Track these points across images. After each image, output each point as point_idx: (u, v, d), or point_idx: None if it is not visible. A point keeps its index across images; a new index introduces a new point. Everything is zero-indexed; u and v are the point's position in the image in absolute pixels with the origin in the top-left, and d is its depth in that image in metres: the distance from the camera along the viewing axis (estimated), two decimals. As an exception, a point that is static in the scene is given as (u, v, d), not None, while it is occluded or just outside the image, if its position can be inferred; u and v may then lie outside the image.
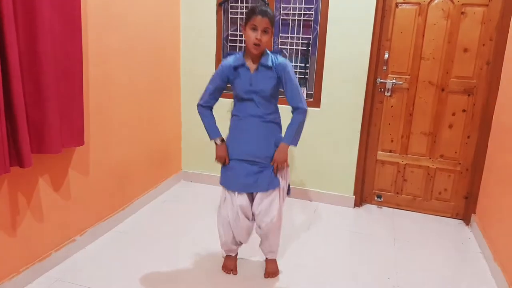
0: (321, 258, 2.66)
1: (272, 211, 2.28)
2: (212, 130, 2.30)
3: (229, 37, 3.52)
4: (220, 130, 2.31)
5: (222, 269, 2.49)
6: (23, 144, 1.95)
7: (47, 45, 2.01)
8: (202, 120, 2.31)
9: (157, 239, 2.80)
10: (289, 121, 2.25)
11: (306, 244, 2.82)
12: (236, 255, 2.52)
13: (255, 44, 2.07)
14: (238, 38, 3.50)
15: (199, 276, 2.43)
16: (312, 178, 3.51)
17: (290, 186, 2.45)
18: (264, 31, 2.06)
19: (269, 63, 2.15)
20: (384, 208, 3.47)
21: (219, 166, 3.53)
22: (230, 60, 2.19)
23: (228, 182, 2.31)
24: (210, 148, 3.75)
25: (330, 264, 2.60)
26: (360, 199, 3.49)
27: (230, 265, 2.48)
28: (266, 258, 2.50)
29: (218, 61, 3.54)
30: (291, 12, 3.31)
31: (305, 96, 3.37)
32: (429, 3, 3.01)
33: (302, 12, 3.29)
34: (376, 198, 3.50)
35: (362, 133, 3.30)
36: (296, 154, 3.49)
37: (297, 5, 3.28)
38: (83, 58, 2.29)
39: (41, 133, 2.08)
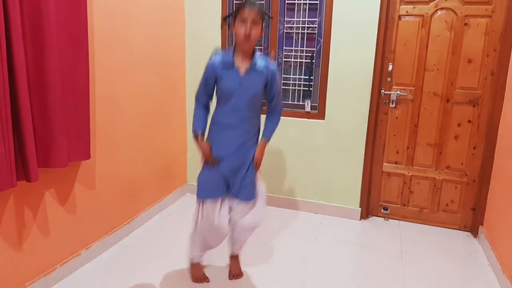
0: (327, 271, 2.64)
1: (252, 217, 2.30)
2: (197, 122, 2.22)
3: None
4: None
5: (194, 281, 2.45)
6: (30, 158, 1.97)
7: (55, 62, 2.04)
8: (194, 111, 2.25)
9: (162, 253, 2.79)
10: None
11: (312, 257, 2.80)
12: (201, 262, 2.50)
13: (244, 38, 2.02)
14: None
15: (204, 290, 2.42)
16: (317, 190, 3.49)
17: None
18: (254, 23, 2.01)
19: (261, 68, 2.14)
20: (390, 220, 3.45)
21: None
22: (217, 58, 2.14)
23: (210, 189, 2.23)
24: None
25: (336, 277, 2.58)
26: (366, 211, 3.47)
27: (199, 274, 2.46)
28: (232, 256, 2.51)
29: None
30: (295, 25, 3.34)
31: (309, 108, 3.40)
32: (432, 15, 3.02)
33: (306, 25, 3.31)
34: (382, 210, 3.47)
35: (367, 145, 3.29)
36: (302, 166, 3.48)
37: (301, 19, 3.31)
38: (89, 74, 2.32)
39: (48, 148, 2.10)
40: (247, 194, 2.23)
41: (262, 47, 3.45)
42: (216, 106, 2.23)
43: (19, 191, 2.08)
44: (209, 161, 2.21)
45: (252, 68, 2.12)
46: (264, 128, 2.29)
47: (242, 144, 2.20)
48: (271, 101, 2.28)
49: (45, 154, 2.10)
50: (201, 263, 2.50)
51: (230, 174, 2.21)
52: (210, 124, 2.26)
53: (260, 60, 2.15)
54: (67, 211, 2.44)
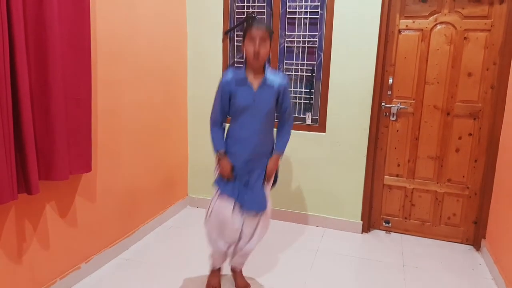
0: (329, 285, 2.62)
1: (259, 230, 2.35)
2: (218, 142, 2.29)
3: (235, 64, 3.58)
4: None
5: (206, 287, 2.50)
6: (32, 171, 1.97)
7: (57, 75, 2.06)
8: (211, 133, 2.31)
9: (162, 266, 2.78)
10: None
11: (313, 271, 2.78)
12: (220, 270, 2.56)
13: (254, 56, 2.12)
14: (243, 65, 3.55)
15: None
16: (318, 203, 3.48)
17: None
18: (262, 41, 2.10)
19: (273, 83, 2.22)
20: (392, 233, 3.43)
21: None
22: (230, 75, 2.23)
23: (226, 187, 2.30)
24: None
25: (338, 291, 2.56)
26: (368, 224, 3.45)
27: (214, 281, 2.50)
28: (235, 271, 2.53)
29: (224, 87, 3.59)
30: (296, 39, 3.37)
31: (310, 121, 3.41)
32: (431, 29, 3.05)
33: (307, 39, 3.34)
34: (384, 223, 3.46)
35: (368, 158, 3.29)
36: (302, 179, 3.48)
37: (301, 33, 3.34)
38: (92, 87, 2.34)
39: (49, 160, 2.10)
40: (257, 205, 2.27)
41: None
42: (231, 121, 2.30)
43: (20, 203, 2.08)
44: (226, 177, 2.27)
45: (265, 83, 2.20)
46: (276, 141, 2.35)
47: (256, 158, 2.27)
48: (283, 114, 2.34)
49: (47, 166, 2.11)
50: (220, 271, 2.55)
51: (243, 187, 2.26)
52: (225, 139, 2.33)
53: (271, 75, 2.24)
54: (68, 224, 2.43)
